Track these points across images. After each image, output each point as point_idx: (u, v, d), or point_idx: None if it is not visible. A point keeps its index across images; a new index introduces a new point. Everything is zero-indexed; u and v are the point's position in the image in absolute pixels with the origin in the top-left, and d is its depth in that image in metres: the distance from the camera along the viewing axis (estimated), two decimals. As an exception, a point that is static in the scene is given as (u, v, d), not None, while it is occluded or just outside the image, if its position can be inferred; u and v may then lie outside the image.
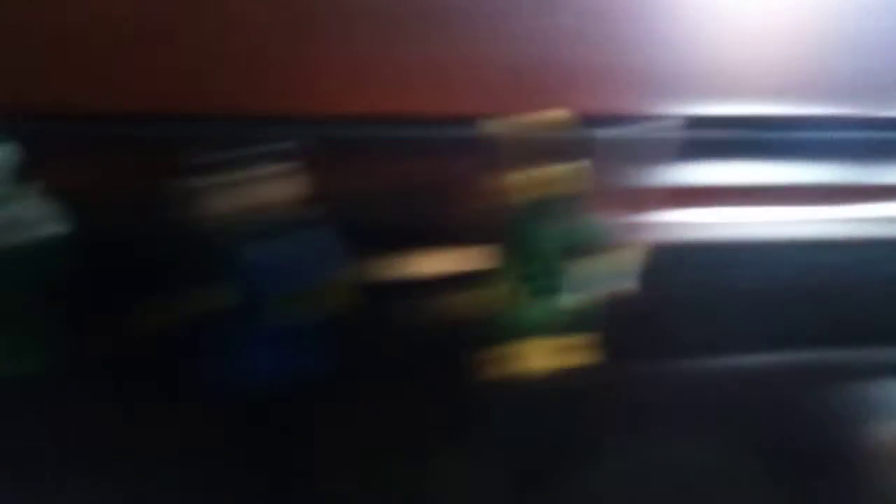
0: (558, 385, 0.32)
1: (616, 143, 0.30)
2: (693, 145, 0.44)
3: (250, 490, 0.29)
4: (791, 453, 0.31)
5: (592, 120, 0.31)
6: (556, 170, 0.30)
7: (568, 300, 0.31)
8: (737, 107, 0.43)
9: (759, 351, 0.38)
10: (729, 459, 0.29)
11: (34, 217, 0.28)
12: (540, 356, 0.32)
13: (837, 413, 0.33)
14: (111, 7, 0.33)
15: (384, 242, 0.36)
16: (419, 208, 0.37)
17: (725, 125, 0.44)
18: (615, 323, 0.33)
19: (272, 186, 0.29)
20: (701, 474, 0.29)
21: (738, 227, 0.43)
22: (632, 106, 0.41)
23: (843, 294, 0.43)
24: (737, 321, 0.39)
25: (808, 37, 0.42)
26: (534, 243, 0.31)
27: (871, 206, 0.46)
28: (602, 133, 0.32)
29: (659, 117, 0.32)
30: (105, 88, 0.34)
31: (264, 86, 0.36)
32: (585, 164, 0.30)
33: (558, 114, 0.30)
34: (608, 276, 0.30)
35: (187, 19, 0.34)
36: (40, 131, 0.31)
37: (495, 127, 0.30)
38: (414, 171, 0.38)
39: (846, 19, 0.42)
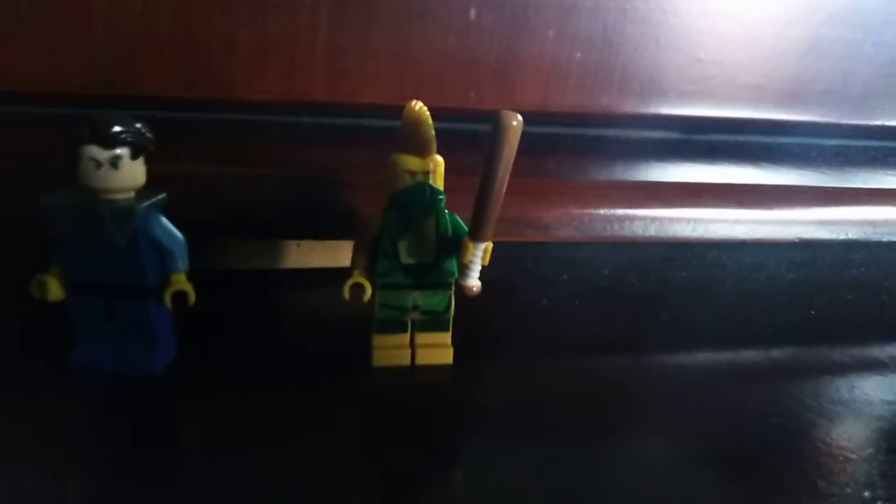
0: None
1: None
2: (668, 145, 0.46)
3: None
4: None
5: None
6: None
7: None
8: (716, 110, 0.45)
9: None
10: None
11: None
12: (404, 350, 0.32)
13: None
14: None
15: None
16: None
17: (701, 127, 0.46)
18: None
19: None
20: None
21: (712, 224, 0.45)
22: (614, 106, 0.42)
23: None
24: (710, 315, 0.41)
25: (789, 44, 0.44)
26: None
27: (838, 210, 0.48)
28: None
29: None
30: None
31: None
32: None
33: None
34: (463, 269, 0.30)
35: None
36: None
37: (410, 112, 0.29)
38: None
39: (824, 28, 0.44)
